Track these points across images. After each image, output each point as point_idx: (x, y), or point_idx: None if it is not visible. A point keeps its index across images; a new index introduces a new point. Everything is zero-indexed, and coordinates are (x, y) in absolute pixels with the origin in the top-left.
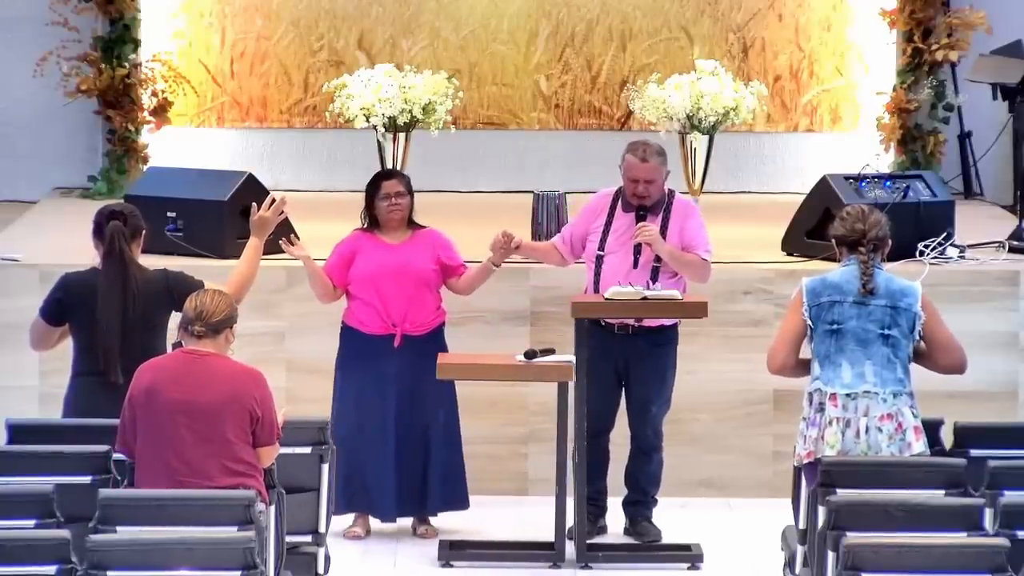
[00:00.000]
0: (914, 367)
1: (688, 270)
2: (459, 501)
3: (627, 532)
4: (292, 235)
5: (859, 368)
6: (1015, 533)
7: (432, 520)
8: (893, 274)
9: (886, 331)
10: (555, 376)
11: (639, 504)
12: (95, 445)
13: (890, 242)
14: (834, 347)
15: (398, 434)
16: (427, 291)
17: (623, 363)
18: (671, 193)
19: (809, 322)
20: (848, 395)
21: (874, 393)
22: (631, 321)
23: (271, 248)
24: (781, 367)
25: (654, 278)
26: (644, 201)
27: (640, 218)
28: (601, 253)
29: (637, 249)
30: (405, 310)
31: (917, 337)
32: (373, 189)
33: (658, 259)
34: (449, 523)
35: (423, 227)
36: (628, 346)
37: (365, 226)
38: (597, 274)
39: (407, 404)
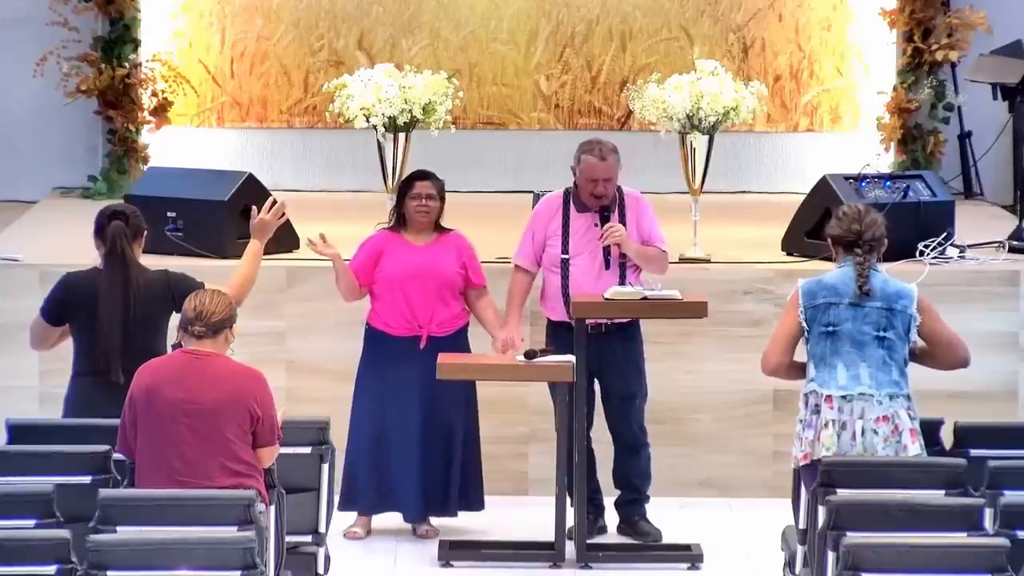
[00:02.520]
0: (914, 368)
1: (651, 264)
2: (476, 502)
3: (621, 531)
4: (320, 233)
5: (854, 370)
6: (1015, 533)
7: (432, 519)
8: (890, 275)
9: (882, 333)
10: (555, 376)
11: (634, 503)
12: (95, 445)
13: (886, 243)
14: (830, 349)
15: (423, 435)
16: (450, 293)
17: (595, 361)
18: (619, 188)
19: (804, 324)
20: (843, 397)
21: (869, 395)
22: (604, 319)
23: (271, 248)
24: (775, 369)
25: (622, 275)
26: (602, 200)
27: (605, 218)
28: (566, 256)
29: (607, 250)
30: (431, 312)
31: (914, 339)
32: (406, 187)
33: (623, 256)
34: (449, 523)
35: (449, 230)
36: (600, 344)
37: (392, 224)
38: (565, 277)
39: (431, 405)
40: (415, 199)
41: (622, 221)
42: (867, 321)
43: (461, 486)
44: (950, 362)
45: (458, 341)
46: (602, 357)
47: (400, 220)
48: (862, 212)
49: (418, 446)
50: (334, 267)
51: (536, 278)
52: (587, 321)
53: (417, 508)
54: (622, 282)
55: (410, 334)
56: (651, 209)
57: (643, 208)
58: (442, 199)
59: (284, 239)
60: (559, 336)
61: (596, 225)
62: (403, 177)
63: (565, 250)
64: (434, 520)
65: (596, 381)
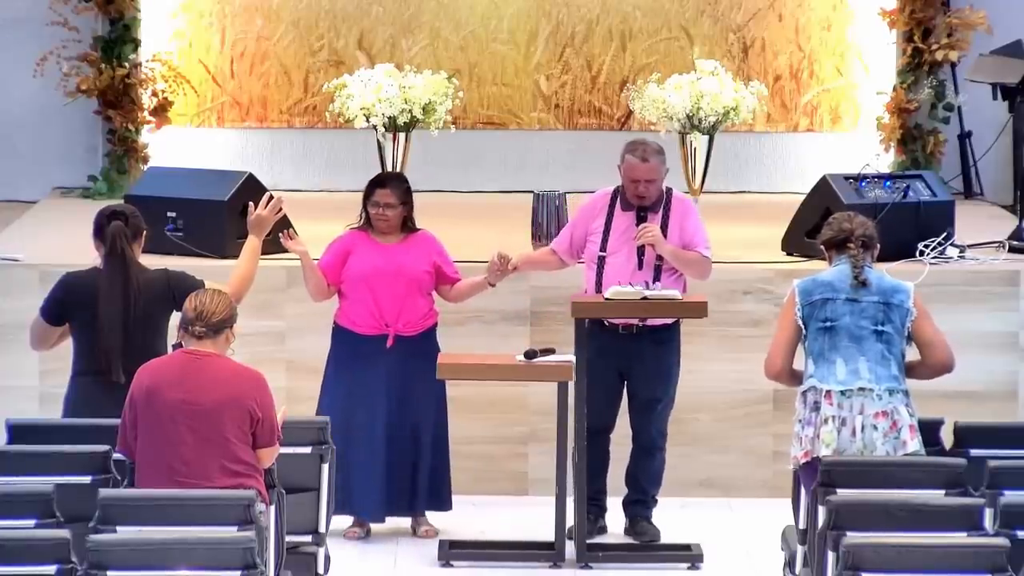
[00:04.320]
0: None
1: (690, 268)
2: (443, 502)
3: (627, 532)
4: (291, 229)
5: (853, 365)
6: (1015, 533)
7: (432, 520)
8: (887, 273)
9: (879, 327)
10: (555, 376)
11: (639, 504)
12: (95, 445)
13: (878, 245)
14: (828, 344)
15: (388, 434)
16: (419, 292)
17: (626, 362)
18: (668, 191)
19: (801, 323)
20: (843, 392)
21: (869, 390)
22: (635, 320)
23: (270, 248)
24: (779, 373)
25: (656, 277)
26: (644, 201)
27: (641, 218)
28: (603, 254)
29: (641, 250)
30: (398, 311)
31: (907, 333)
32: (368, 191)
33: (660, 258)
34: (449, 523)
35: (418, 229)
36: (631, 345)
37: (360, 224)
38: (599, 274)
39: (398, 404)
40: (374, 207)
41: (664, 223)
42: (864, 316)
43: (430, 486)
44: (935, 364)
45: (427, 341)
46: (632, 358)
47: (368, 220)
48: (851, 214)
49: (383, 446)
50: (302, 264)
51: (555, 270)
52: (619, 321)
53: (376, 508)
54: (656, 283)
55: (377, 333)
56: (698, 214)
57: (688, 212)
58: (405, 203)
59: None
60: (593, 334)
61: (635, 225)
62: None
63: (603, 247)
64: (434, 521)
65: (625, 382)
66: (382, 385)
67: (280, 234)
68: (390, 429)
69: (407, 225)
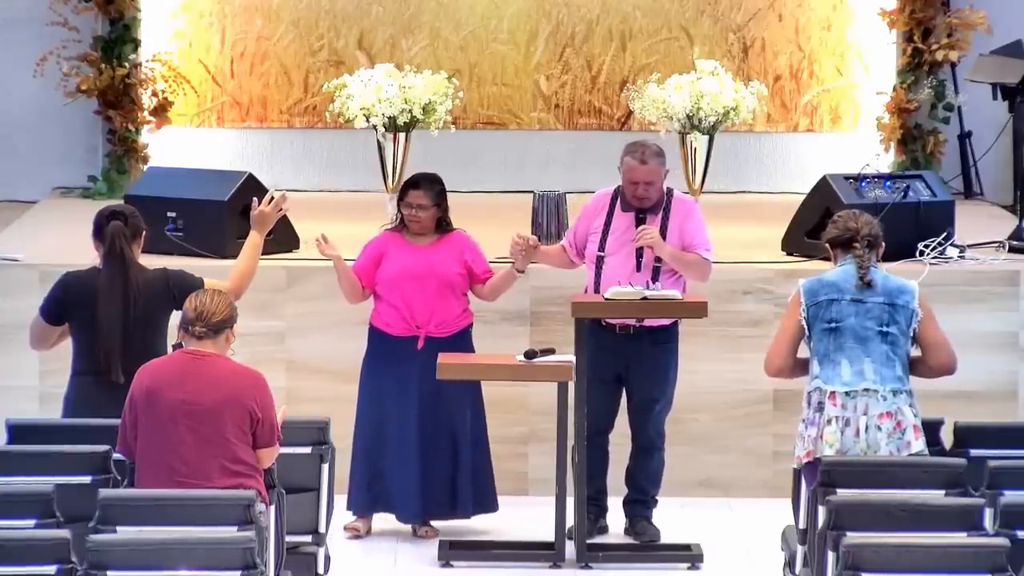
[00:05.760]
0: None
1: (689, 270)
2: (489, 504)
3: (627, 532)
4: (323, 235)
5: (858, 366)
6: (1015, 533)
7: (438, 520)
8: (890, 274)
9: (885, 328)
10: (555, 376)
11: (638, 504)
12: (95, 445)
13: (883, 244)
14: (833, 345)
15: (422, 435)
16: (451, 294)
17: (624, 363)
18: (669, 192)
19: (806, 325)
20: (847, 393)
21: (873, 391)
22: (632, 321)
23: (271, 248)
24: (779, 371)
25: (655, 278)
26: (643, 203)
27: (640, 220)
28: (601, 254)
29: (640, 251)
30: (429, 312)
31: (912, 335)
32: (402, 193)
33: (659, 259)
34: (449, 523)
35: (453, 229)
36: (630, 346)
37: (395, 225)
38: (598, 275)
39: (431, 406)
40: (407, 208)
41: (664, 224)
42: (870, 316)
43: (475, 488)
44: (937, 366)
45: (460, 342)
46: (629, 358)
47: (403, 221)
48: (856, 213)
49: (416, 447)
50: (335, 268)
51: (566, 268)
52: (616, 322)
53: (414, 510)
54: (654, 284)
55: (408, 334)
56: (699, 215)
57: (690, 213)
58: (438, 204)
59: (283, 238)
60: (591, 333)
61: (635, 226)
62: (403, 178)
63: (602, 247)
64: (433, 520)
65: (623, 383)
66: (412, 387)
67: (315, 241)
68: (422, 430)
69: (442, 225)
